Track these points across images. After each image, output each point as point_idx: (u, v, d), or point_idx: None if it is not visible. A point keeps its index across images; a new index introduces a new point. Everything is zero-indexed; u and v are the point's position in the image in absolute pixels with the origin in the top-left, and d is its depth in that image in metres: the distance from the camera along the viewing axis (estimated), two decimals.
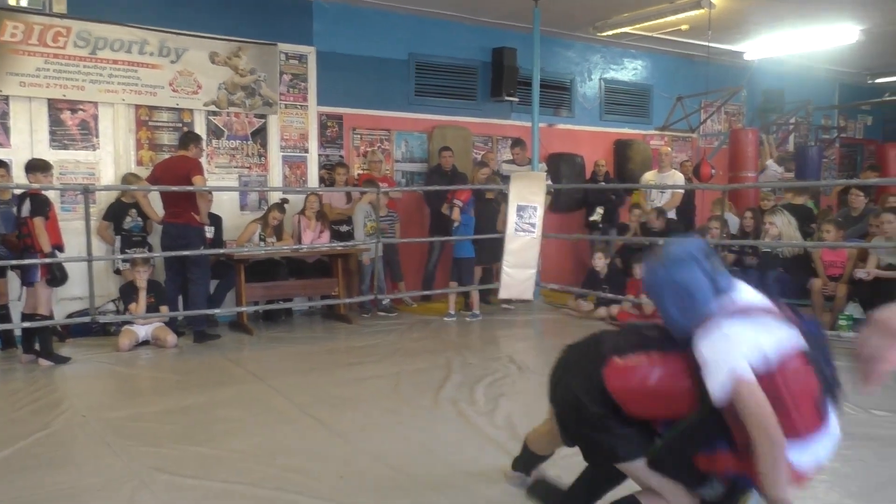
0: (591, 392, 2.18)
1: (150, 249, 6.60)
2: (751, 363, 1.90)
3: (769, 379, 1.90)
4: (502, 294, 7.24)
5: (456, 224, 7.18)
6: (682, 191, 8.23)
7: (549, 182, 7.74)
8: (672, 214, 8.07)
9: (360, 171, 8.14)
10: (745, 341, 1.93)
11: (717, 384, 1.90)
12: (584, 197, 9.13)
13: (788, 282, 6.57)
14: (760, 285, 6.54)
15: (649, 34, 9.22)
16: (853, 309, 6.24)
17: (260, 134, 7.60)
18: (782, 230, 6.43)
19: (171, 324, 6.23)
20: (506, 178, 7.57)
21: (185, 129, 6.99)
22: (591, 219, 8.91)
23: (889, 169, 10.88)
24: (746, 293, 2.12)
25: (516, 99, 8.86)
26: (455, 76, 8.80)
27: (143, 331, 6.05)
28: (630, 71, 10.41)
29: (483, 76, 8.94)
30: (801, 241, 6.53)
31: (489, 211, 7.52)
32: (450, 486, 3.09)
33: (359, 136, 8.26)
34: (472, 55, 8.85)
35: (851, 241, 6.56)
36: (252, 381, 4.90)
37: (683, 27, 8.75)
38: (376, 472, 3.25)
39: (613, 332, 2.38)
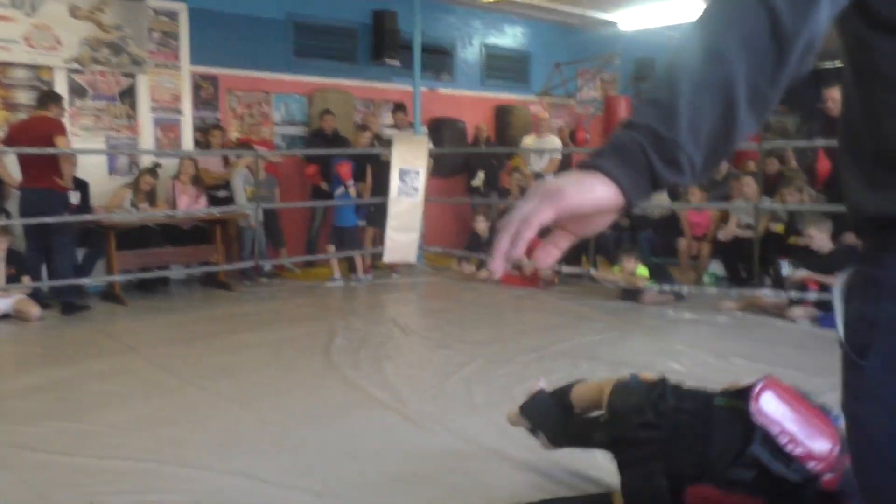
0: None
1: (9, 217, 6.16)
2: None
3: None
4: (386, 258, 7.26)
5: (349, 194, 7.11)
6: (560, 156, 8.47)
7: (431, 146, 7.78)
8: None
9: (238, 135, 7.88)
10: None
11: None
12: (465, 161, 9.24)
13: (658, 242, 6.93)
14: (633, 245, 6.81)
15: (528, 1, 9.35)
16: (716, 267, 6.67)
17: (128, 94, 7.20)
18: None
19: (35, 295, 5.86)
20: (388, 143, 7.53)
21: (45, 87, 6.52)
22: (473, 183, 9.03)
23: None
24: None
25: (398, 63, 8.79)
26: (335, 38, 8.63)
27: (2, 304, 5.67)
28: (510, 37, 10.54)
29: (364, 39, 8.80)
30: (669, 204, 6.87)
31: (385, 174, 7.44)
32: (335, 448, 3.10)
33: (236, 98, 7.97)
34: (352, 16, 8.69)
35: (714, 203, 6.97)
36: (127, 353, 4.70)
37: None
38: (260, 439, 3.21)
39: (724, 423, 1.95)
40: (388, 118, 8.74)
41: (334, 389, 3.92)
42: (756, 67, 0.73)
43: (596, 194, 0.77)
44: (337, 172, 7.16)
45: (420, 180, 7.23)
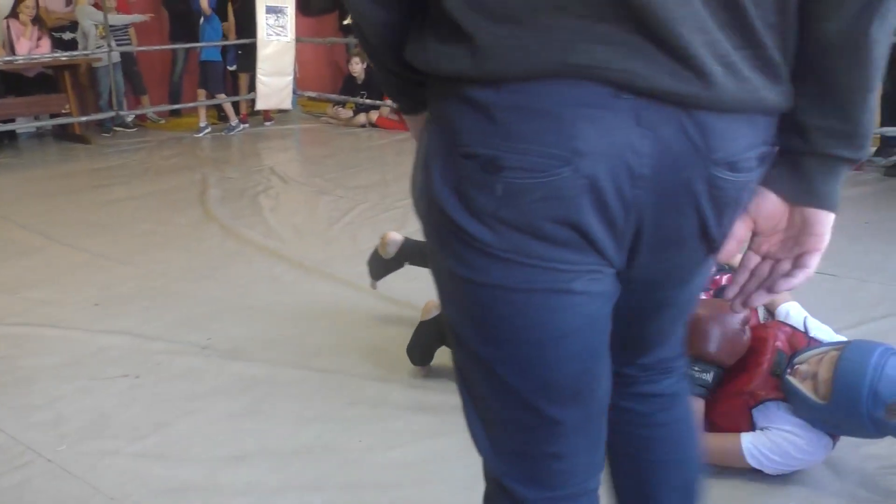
0: None
1: None
2: None
3: None
4: (259, 105, 6.92)
5: (205, 15, 6.54)
6: None
7: None
8: None
9: None
10: None
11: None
12: None
13: None
14: None
15: None
16: None
17: None
18: None
19: None
20: None
21: None
22: (345, 22, 8.58)
23: None
24: None
25: None
26: None
27: None
28: None
29: None
30: None
31: (249, 11, 6.86)
32: (220, 300, 3.05)
33: None
34: None
35: None
36: None
37: None
38: (139, 296, 3.10)
39: None
40: None
41: (214, 241, 3.81)
42: None
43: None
44: None
45: (288, 19, 6.80)
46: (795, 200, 0.83)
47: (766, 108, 0.78)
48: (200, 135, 6.68)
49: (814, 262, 0.86)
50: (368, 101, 7.00)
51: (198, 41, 6.72)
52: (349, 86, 7.32)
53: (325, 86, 8.35)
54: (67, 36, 6.69)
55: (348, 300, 3.01)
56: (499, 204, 0.77)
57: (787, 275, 0.87)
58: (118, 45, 6.61)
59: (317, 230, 3.96)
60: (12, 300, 3.07)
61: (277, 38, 6.76)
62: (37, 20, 6.36)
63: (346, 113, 7.30)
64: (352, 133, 6.78)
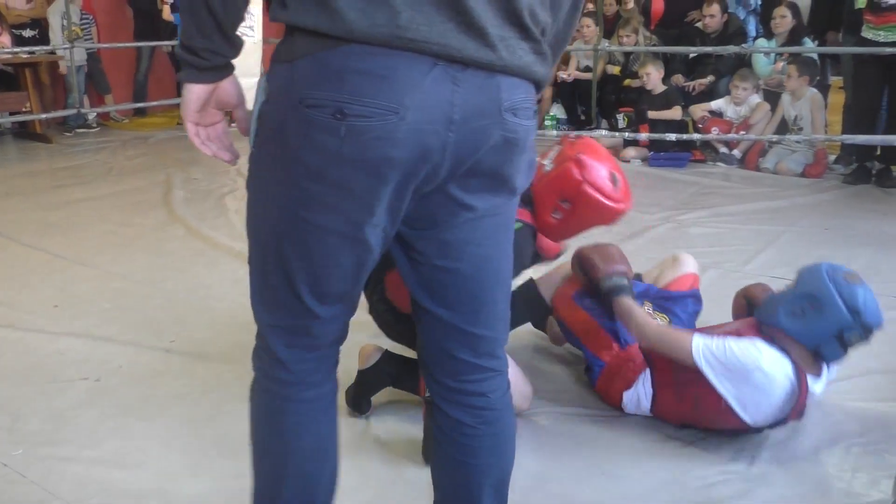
0: None
1: None
2: None
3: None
4: None
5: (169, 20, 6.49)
6: None
7: None
8: None
9: None
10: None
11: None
12: None
13: None
14: None
15: None
16: (557, 110, 6.82)
17: None
18: None
19: None
20: None
21: None
22: None
23: None
24: None
25: None
26: None
27: None
28: None
29: None
30: None
31: None
32: (184, 301, 3.01)
33: None
34: None
35: None
36: None
37: None
38: (99, 297, 3.05)
39: None
40: None
41: (178, 242, 3.76)
42: None
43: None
44: None
45: (256, 18, 6.73)
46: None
47: (533, 77, 1.08)
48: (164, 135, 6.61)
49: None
50: None
51: (161, 39, 6.64)
52: None
53: None
54: (28, 33, 6.56)
55: None
56: (342, 143, 0.99)
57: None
58: (82, 43, 6.51)
59: None
60: None
61: (244, 37, 6.68)
62: None
63: None
64: None
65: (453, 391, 1.24)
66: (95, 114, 6.90)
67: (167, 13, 6.53)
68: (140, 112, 7.33)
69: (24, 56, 6.23)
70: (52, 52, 6.44)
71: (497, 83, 1.03)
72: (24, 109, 6.27)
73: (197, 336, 2.68)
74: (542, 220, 2.03)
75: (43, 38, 6.64)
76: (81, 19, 6.62)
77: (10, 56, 6.16)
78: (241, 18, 1.10)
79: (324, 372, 1.24)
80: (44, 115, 6.32)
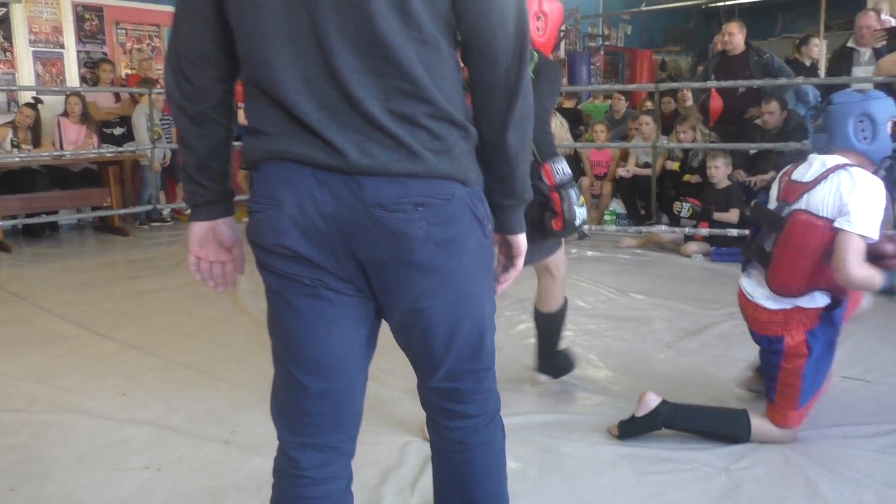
0: None
1: None
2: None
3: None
4: None
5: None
6: None
7: None
8: None
9: (128, 71, 7.44)
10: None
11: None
12: None
13: None
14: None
15: None
16: (616, 205, 6.86)
17: (2, 25, 6.66)
18: (556, 132, 6.83)
19: None
20: None
21: None
22: None
23: (642, 75, 11.88)
24: None
25: None
26: None
27: None
28: None
29: None
30: (572, 143, 6.98)
31: None
32: (245, 393, 3.05)
33: (124, 32, 7.51)
34: None
35: (614, 142, 7.13)
36: (14, 301, 4.46)
37: None
38: (164, 387, 3.12)
39: None
40: None
41: (243, 333, 3.85)
42: None
43: None
44: None
45: None
46: (500, 230, 1.38)
47: (398, 173, 1.18)
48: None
49: (520, 263, 1.41)
50: None
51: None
52: None
53: None
54: (118, 131, 6.99)
55: (373, 393, 2.98)
56: (253, 233, 1.26)
57: (507, 270, 1.43)
58: (163, 142, 6.91)
59: None
60: (39, 388, 3.10)
61: None
62: (85, 117, 6.68)
63: None
64: None
65: (430, 420, 1.46)
66: (170, 208, 7.24)
67: (241, 118, 6.89)
68: None
69: (109, 155, 6.63)
70: (134, 151, 6.84)
71: (358, 182, 1.18)
72: (105, 205, 6.63)
73: (257, 428, 2.71)
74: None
75: (131, 136, 7.07)
76: (162, 119, 7.05)
77: (95, 155, 6.57)
78: (206, 165, 1.32)
79: (328, 468, 1.33)
80: (122, 211, 6.66)
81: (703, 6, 12.92)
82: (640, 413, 2.54)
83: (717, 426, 2.53)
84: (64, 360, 3.46)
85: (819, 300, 2.35)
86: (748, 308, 2.50)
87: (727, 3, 12.44)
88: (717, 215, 5.50)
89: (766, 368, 2.52)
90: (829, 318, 2.39)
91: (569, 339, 3.56)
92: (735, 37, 6.04)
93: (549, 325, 2.98)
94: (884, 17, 6.12)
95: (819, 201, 2.27)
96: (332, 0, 1.15)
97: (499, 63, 1.22)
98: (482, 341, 1.37)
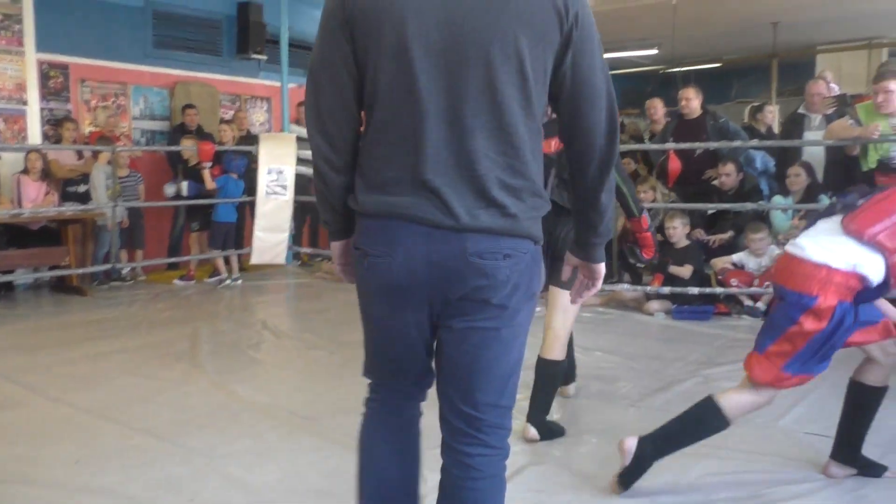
0: None
1: None
2: None
3: None
4: (254, 259, 7.05)
5: (212, 188, 6.86)
6: None
7: None
8: None
9: (92, 129, 7.41)
10: None
11: None
12: None
13: None
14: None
15: None
16: None
17: None
18: None
19: None
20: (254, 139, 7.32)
21: None
22: None
23: None
24: None
25: (265, 57, 8.57)
26: (199, 29, 8.30)
27: None
28: None
29: (228, 31, 8.52)
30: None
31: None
32: (205, 458, 2.97)
33: (89, 90, 7.50)
34: (216, 8, 8.40)
35: None
36: None
37: None
38: (121, 453, 3.02)
39: None
40: (256, 114, 8.50)
41: (203, 396, 3.76)
42: None
43: None
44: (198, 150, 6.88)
45: (288, 178, 7.08)
46: (586, 260, 1.72)
47: (494, 232, 1.51)
48: (220, 286, 6.85)
49: (599, 283, 1.76)
50: None
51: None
52: None
53: (321, 242, 8.55)
54: (82, 188, 6.88)
55: (334, 458, 2.94)
56: (369, 273, 1.59)
57: (589, 288, 1.77)
58: (125, 200, 6.84)
59: (307, 386, 3.93)
60: None
61: (277, 196, 7.00)
62: (46, 174, 6.59)
63: None
64: (345, 288, 6.83)
65: (448, 447, 1.66)
66: (129, 268, 7.13)
67: (209, 181, 6.88)
68: (173, 265, 7.55)
69: (69, 213, 6.54)
70: (94, 209, 6.75)
71: (463, 237, 1.50)
72: (63, 264, 6.50)
73: (215, 497, 2.63)
74: None
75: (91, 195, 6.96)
76: (128, 176, 6.99)
77: (55, 213, 6.47)
78: (342, 201, 1.64)
79: (401, 401, 1.77)
80: (80, 270, 6.54)
81: (661, 71, 13.37)
82: (627, 461, 2.54)
83: (697, 431, 2.55)
84: (15, 426, 3.34)
85: (871, 270, 2.36)
86: (790, 264, 2.46)
87: (683, 69, 12.90)
88: (672, 269, 5.59)
89: (776, 319, 2.47)
90: (862, 301, 2.40)
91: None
92: (692, 101, 6.24)
93: (553, 373, 3.18)
94: (831, 85, 6.39)
95: None
96: (473, 91, 1.47)
97: (594, 144, 1.56)
98: (509, 379, 1.63)
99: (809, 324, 2.36)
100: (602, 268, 1.73)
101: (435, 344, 1.67)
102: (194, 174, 7.00)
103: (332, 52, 1.54)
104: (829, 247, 2.39)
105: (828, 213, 2.53)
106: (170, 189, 7.05)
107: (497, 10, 1.46)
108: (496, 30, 1.46)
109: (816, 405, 3.50)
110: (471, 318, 1.55)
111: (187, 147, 7.01)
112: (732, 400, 2.50)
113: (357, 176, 1.59)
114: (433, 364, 1.69)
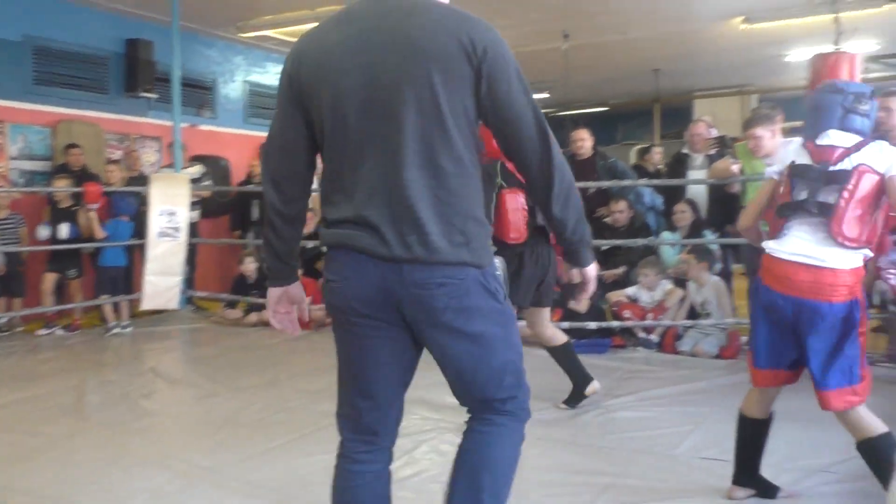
0: None
1: None
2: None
3: None
4: (145, 304, 6.73)
5: (101, 237, 6.54)
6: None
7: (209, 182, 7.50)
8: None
9: None
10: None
11: None
12: (234, 200, 8.92)
13: None
14: None
15: (291, 39, 9.33)
16: None
17: None
18: None
19: None
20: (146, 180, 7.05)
21: None
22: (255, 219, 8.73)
23: None
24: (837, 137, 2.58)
25: (155, 95, 8.31)
26: (83, 66, 7.95)
27: None
28: (273, 75, 10.40)
29: (115, 68, 8.21)
30: None
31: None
32: None
33: None
34: (102, 44, 8.09)
35: None
36: None
37: None
38: None
39: None
40: (146, 154, 8.19)
41: (89, 451, 3.52)
42: None
43: None
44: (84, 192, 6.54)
45: (182, 220, 6.85)
46: (573, 265, 1.93)
47: (427, 262, 1.66)
48: (108, 334, 6.46)
49: (591, 284, 1.99)
50: (261, 300, 6.95)
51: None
52: (240, 285, 7.29)
53: (216, 285, 8.28)
54: None
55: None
56: (330, 296, 1.79)
57: (583, 290, 2.00)
58: (4, 243, 6.42)
59: (204, 434, 3.75)
60: None
61: (169, 238, 6.75)
62: None
63: (235, 313, 7.18)
64: (242, 333, 6.65)
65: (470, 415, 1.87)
66: (7, 318, 6.65)
67: (98, 229, 6.56)
68: (59, 313, 7.09)
69: None
70: None
71: (400, 267, 1.67)
72: None
73: None
74: None
75: None
76: (7, 218, 6.56)
77: None
78: (291, 250, 1.88)
79: (372, 454, 1.85)
80: None
81: (552, 115, 13.86)
82: None
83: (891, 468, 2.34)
84: None
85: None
86: (801, 273, 2.47)
87: (573, 112, 13.43)
88: (571, 304, 5.73)
89: (842, 343, 2.45)
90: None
91: (430, 439, 3.53)
92: (586, 142, 6.47)
93: (566, 353, 4.07)
94: (710, 129, 6.80)
95: (867, 159, 2.48)
96: (400, 131, 1.65)
97: (531, 165, 1.73)
98: (502, 378, 1.79)
99: (865, 325, 2.49)
100: (590, 270, 1.93)
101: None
102: (69, 216, 6.64)
103: (286, 123, 1.79)
104: (843, 251, 2.48)
105: (805, 212, 2.54)
106: (43, 231, 6.64)
107: (409, 56, 1.63)
108: (410, 74, 1.63)
109: (711, 432, 3.63)
110: (435, 343, 1.74)
111: (63, 189, 6.65)
112: (872, 421, 2.49)
113: (322, 216, 1.81)
114: (397, 401, 1.86)
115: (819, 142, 2.58)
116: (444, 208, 1.66)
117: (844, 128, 2.55)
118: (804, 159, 2.60)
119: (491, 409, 1.81)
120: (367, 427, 1.83)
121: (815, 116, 2.62)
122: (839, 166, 2.51)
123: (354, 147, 1.69)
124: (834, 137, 2.56)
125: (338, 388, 1.87)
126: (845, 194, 2.45)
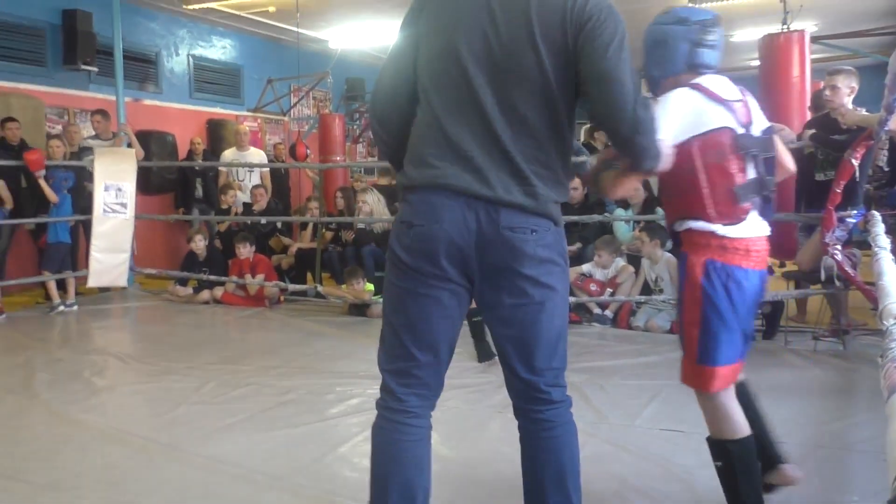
0: None
1: None
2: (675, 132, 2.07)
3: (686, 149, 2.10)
4: (92, 282, 6.55)
5: (54, 200, 6.31)
6: (268, 169, 8.31)
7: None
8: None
9: None
10: (677, 110, 2.09)
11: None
12: (179, 177, 8.70)
13: (381, 256, 7.10)
14: (356, 259, 6.78)
15: (237, 13, 9.11)
16: None
17: None
18: (374, 207, 6.92)
19: None
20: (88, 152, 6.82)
21: None
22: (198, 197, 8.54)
23: None
24: (715, 81, 2.18)
25: (95, 68, 8.03)
26: (19, 37, 7.62)
27: None
28: (219, 49, 10.18)
29: (53, 40, 7.91)
30: (390, 218, 7.08)
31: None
32: (48, 494, 2.70)
33: None
34: (37, 15, 7.76)
35: None
36: None
37: (270, 9, 8.84)
38: None
39: None
40: (88, 128, 7.91)
41: (43, 427, 3.43)
42: None
43: None
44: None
45: (129, 196, 6.66)
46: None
47: (524, 208, 1.74)
48: (53, 312, 6.21)
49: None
50: (212, 277, 6.82)
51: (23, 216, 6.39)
52: (190, 262, 7.14)
53: (164, 262, 8.09)
54: None
55: (199, 485, 2.77)
56: (412, 240, 1.78)
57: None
58: None
59: (162, 411, 3.68)
60: None
61: (116, 214, 6.56)
62: None
63: (186, 290, 7.04)
64: (194, 311, 6.52)
65: (519, 409, 1.89)
66: None
67: (49, 192, 6.32)
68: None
69: None
70: None
71: (498, 210, 1.74)
72: None
73: None
74: None
75: None
76: None
77: None
78: (398, 159, 1.92)
79: (424, 408, 1.87)
80: None
81: None
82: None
83: None
84: None
85: None
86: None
87: None
88: None
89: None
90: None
91: None
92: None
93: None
94: None
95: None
96: (493, 95, 1.74)
97: (620, 131, 1.75)
98: (558, 344, 1.84)
99: None
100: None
101: (486, 326, 1.95)
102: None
103: (400, 62, 1.87)
104: None
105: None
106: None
107: (522, 13, 1.71)
108: (524, 39, 1.72)
109: (668, 403, 3.71)
110: (510, 294, 1.77)
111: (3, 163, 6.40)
112: None
113: (407, 153, 1.84)
114: (450, 356, 1.87)
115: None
116: (541, 166, 1.76)
117: (694, 65, 2.17)
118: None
119: (539, 395, 1.84)
120: (423, 381, 1.84)
121: (659, 53, 2.21)
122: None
123: (461, 96, 1.75)
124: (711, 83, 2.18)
125: (387, 342, 1.86)
126: None
